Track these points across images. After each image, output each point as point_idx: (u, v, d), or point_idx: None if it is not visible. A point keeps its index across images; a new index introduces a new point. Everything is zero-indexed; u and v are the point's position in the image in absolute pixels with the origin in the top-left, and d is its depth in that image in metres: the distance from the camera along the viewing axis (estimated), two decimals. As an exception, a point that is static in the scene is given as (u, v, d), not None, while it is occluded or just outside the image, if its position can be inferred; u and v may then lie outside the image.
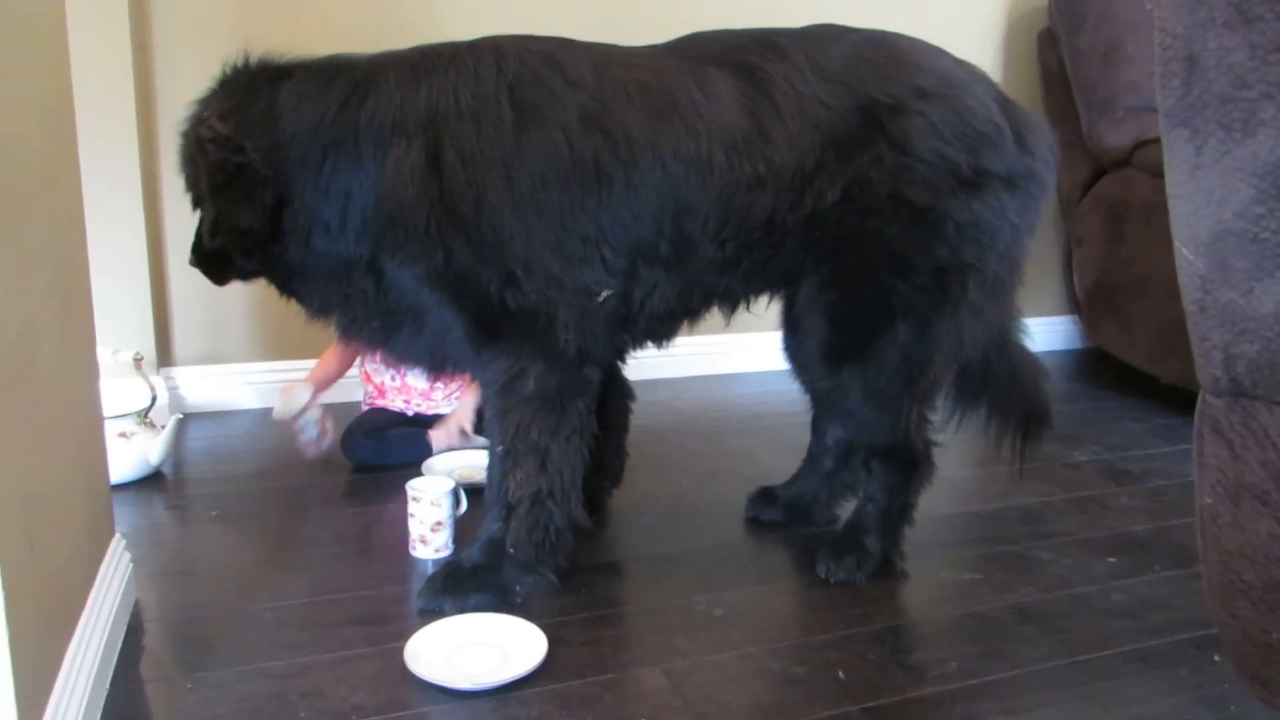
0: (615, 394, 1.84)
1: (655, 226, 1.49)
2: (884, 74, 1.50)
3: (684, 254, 1.51)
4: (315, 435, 2.14)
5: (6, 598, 0.96)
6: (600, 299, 1.50)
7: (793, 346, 1.64)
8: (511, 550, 1.55)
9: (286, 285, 1.59)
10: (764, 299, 1.69)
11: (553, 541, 1.56)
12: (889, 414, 1.59)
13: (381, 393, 2.29)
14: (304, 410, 2.13)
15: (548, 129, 1.46)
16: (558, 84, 1.48)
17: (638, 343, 1.67)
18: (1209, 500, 0.85)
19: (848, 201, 1.49)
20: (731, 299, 1.64)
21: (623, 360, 1.81)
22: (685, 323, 1.67)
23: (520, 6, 2.61)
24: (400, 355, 1.63)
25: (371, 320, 1.56)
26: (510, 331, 1.50)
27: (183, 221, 2.47)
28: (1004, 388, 1.81)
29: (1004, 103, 1.56)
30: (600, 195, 1.46)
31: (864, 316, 1.54)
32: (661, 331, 1.66)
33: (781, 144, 1.48)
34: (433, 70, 1.49)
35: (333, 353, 2.29)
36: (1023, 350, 1.82)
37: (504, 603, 1.54)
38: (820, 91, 1.49)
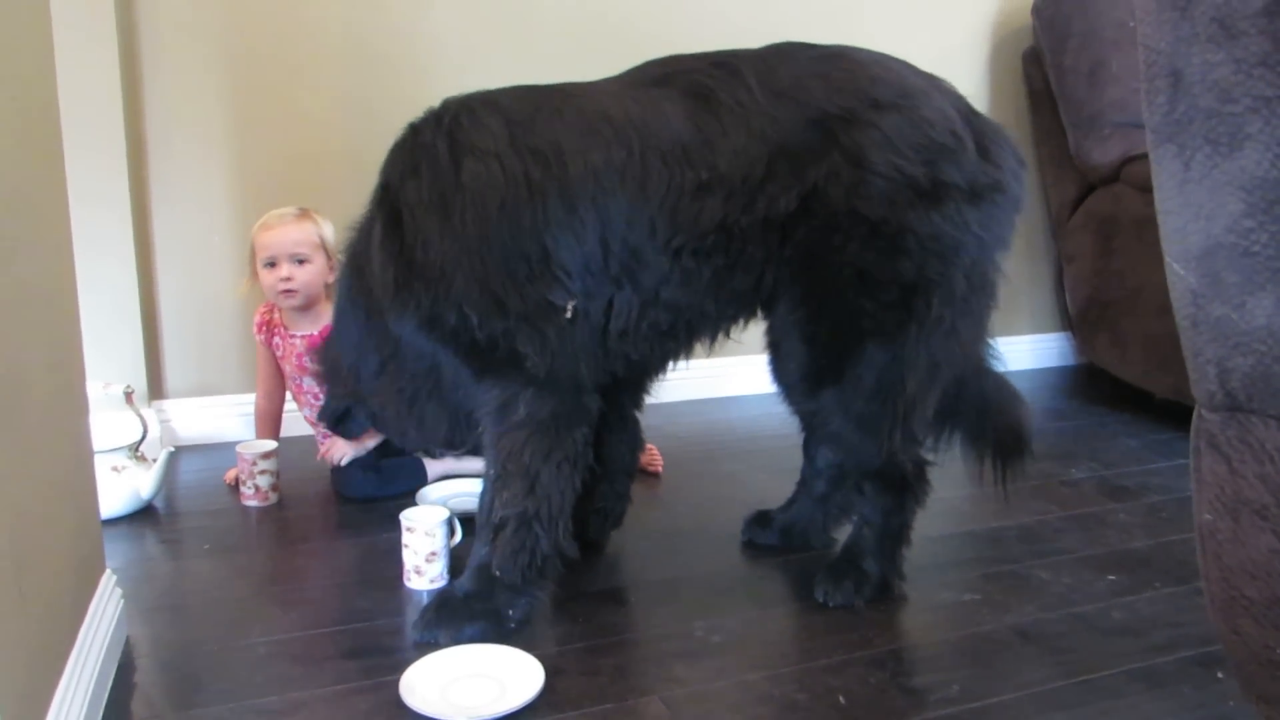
0: (626, 441, 1.84)
1: (599, 238, 1.47)
2: (836, 87, 1.48)
3: (636, 265, 1.49)
4: (267, 486, 2.11)
5: (-7, 638, 0.95)
6: (568, 314, 1.49)
7: (776, 370, 1.61)
8: (497, 572, 1.53)
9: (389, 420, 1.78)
10: (744, 324, 1.66)
11: (539, 566, 1.54)
12: (871, 436, 1.56)
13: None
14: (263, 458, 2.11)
15: (480, 157, 1.47)
16: (491, 118, 1.50)
17: (617, 365, 1.60)
18: (1208, 516, 0.85)
19: (810, 217, 1.47)
20: (704, 318, 1.58)
21: (639, 406, 1.82)
22: (661, 346, 1.60)
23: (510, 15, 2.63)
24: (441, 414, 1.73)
25: (414, 379, 1.66)
26: (494, 361, 1.51)
27: (174, 252, 2.49)
28: (974, 414, 1.75)
29: (967, 114, 1.53)
30: (536, 212, 1.46)
31: (836, 337, 1.52)
32: (639, 356, 1.59)
33: (726, 152, 1.46)
34: (386, 163, 1.58)
35: (263, 393, 2.31)
36: (994, 376, 1.77)
37: (499, 628, 1.52)
38: (768, 105, 1.47)
